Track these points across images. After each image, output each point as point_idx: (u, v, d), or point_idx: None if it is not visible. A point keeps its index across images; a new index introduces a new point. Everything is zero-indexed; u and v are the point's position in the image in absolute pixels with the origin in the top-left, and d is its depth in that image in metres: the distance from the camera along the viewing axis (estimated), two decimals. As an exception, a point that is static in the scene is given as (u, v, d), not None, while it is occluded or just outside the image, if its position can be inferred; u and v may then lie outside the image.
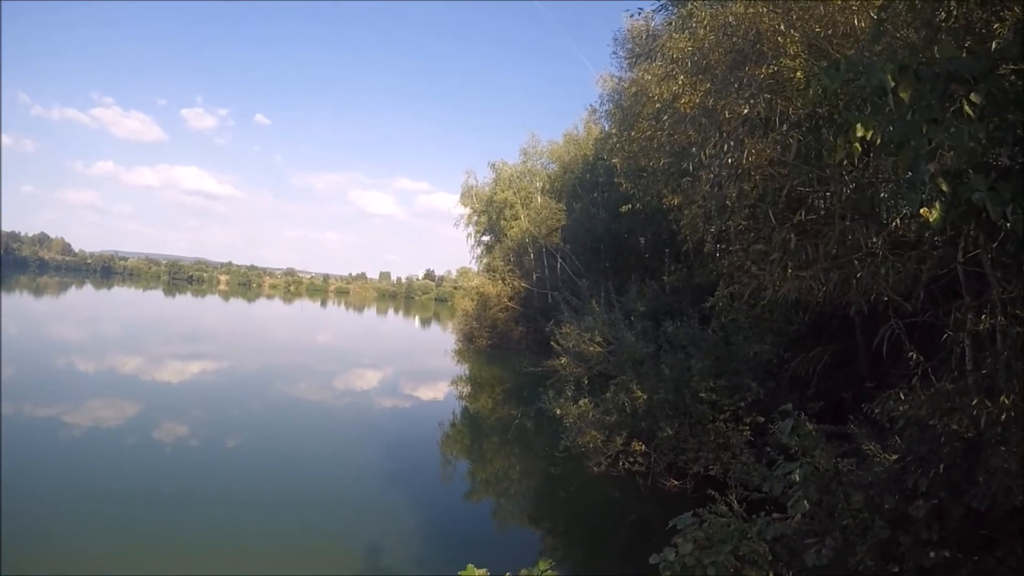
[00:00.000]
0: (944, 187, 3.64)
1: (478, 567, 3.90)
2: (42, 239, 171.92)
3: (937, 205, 3.72)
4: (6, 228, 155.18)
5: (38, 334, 44.62)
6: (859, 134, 3.98)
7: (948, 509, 4.26)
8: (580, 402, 16.94)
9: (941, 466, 4.37)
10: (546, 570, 3.98)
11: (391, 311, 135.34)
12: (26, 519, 11.93)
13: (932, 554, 4.16)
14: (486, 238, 54.34)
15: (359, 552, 12.16)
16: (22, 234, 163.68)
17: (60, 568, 10.42)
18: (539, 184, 46.37)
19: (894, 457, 5.18)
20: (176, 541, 11.91)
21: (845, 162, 7.27)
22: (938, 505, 4.31)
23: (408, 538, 13.19)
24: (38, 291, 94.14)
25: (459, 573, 3.87)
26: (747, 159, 9.56)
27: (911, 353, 6.32)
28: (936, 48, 3.78)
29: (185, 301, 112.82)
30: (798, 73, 8.77)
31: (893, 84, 3.67)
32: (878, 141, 4.29)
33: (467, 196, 52.66)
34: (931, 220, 3.76)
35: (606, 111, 27.79)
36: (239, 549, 11.82)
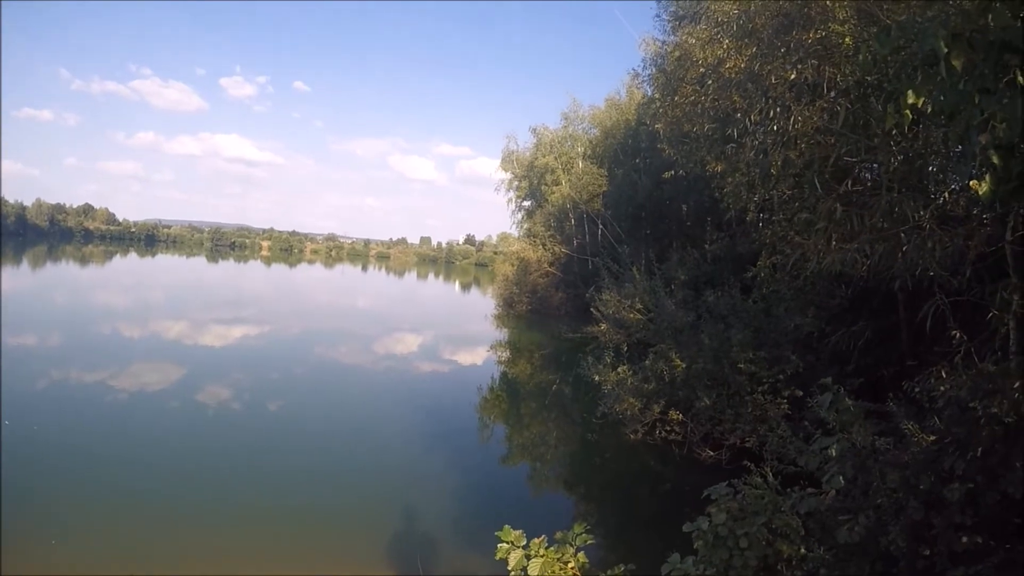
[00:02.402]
0: (996, 160, 3.50)
1: (514, 529, 3.97)
2: (87, 210, 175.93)
3: (987, 178, 3.58)
4: (51, 200, 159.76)
5: (84, 302, 46.13)
6: (910, 101, 3.84)
7: (983, 494, 4.18)
8: (619, 369, 16.93)
9: (979, 449, 4.27)
10: (580, 533, 4.03)
11: (431, 276, 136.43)
12: (70, 480, 12.51)
13: (964, 539, 4.10)
14: (527, 203, 54.07)
15: (397, 512, 12.47)
16: (67, 205, 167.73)
17: (109, 525, 10.95)
18: (580, 149, 45.84)
19: (932, 438, 5.08)
20: (220, 499, 12.39)
21: (894, 132, 7.01)
22: (973, 489, 4.23)
23: (445, 499, 13.47)
24: (84, 260, 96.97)
25: (497, 533, 3.94)
26: (793, 126, 9.29)
27: (954, 332, 6.14)
28: (990, 16, 3.61)
29: (228, 267, 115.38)
30: (847, 39, 8.43)
31: (945, 51, 3.51)
32: (929, 110, 4.14)
33: (508, 161, 52.36)
34: (980, 193, 3.63)
35: (649, 75, 27.10)
36: (281, 507, 12.23)
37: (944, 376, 5.58)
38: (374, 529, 11.70)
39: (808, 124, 9.13)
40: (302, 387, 23.44)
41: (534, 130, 49.43)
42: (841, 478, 5.01)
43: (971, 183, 3.72)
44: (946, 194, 7.03)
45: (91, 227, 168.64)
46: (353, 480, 14.05)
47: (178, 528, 10.99)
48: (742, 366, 13.91)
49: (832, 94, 8.30)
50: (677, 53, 18.12)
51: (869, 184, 8.83)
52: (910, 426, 5.69)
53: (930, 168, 8.22)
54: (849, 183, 8.44)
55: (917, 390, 6.24)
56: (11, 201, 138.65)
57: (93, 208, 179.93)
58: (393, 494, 13.49)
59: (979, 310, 7.13)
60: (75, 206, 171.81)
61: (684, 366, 15.05)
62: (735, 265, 18.33)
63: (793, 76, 9.45)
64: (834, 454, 5.25)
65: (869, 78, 7.08)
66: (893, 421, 6.28)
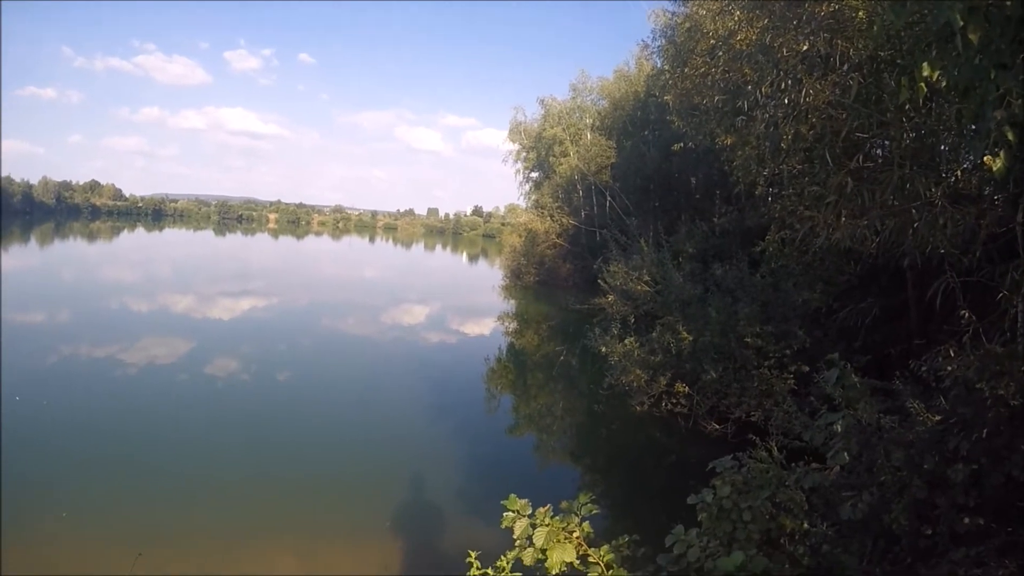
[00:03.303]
0: (1010, 136, 3.46)
1: (520, 499, 4.02)
2: (93, 186, 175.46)
3: (1002, 155, 3.55)
4: (57, 177, 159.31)
5: (93, 278, 46.37)
6: (924, 74, 3.78)
7: (987, 475, 4.18)
8: (626, 341, 16.94)
9: (984, 431, 4.27)
10: (586, 503, 4.05)
11: (439, 247, 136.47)
12: (80, 454, 12.75)
13: (967, 519, 4.11)
14: (535, 174, 53.70)
15: (403, 481, 12.64)
16: (73, 182, 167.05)
17: (119, 498, 11.14)
18: (589, 121, 45.41)
19: (937, 417, 5.08)
20: (229, 470, 12.58)
21: (907, 107, 6.91)
22: (977, 470, 4.23)
23: (452, 469, 13.64)
24: (91, 236, 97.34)
25: (502, 502, 3.98)
26: (805, 99, 9.17)
27: (963, 312, 6.11)
28: (1008, -11, 3.53)
29: (235, 240, 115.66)
30: (860, 12, 8.27)
31: (961, 25, 3.44)
32: (943, 85, 4.07)
33: (515, 132, 51.89)
34: (995, 170, 3.60)
35: (658, 47, 26.77)
36: (288, 477, 12.43)
37: (952, 356, 5.57)
38: (381, 498, 11.87)
39: (819, 98, 9.00)
40: (310, 359, 23.64)
41: (542, 101, 48.94)
42: (846, 454, 5.02)
43: (985, 159, 3.68)
44: (958, 172, 6.94)
45: (98, 203, 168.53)
46: (360, 450, 14.24)
47: (187, 498, 11.19)
48: (749, 340, 13.91)
49: (845, 67, 8.16)
50: (687, 24, 17.88)
51: (880, 160, 8.73)
52: (916, 405, 5.69)
53: (942, 146, 8.12)
54: (860, 158, 8.34)
55: (924, 369, 6.22)
56: (17, 180, 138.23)
57: (99, 184, 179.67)
58: (400, 464, 13.66)
59: (988, 291, 7.08)
60: (81, 183, 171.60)
61: (691, 339, 15.06)
62: (743, 239, 18.24)
63: (806, 48, 9.31)
64: (839, 430, 5.26)
65: (882, 52, 6.97)
66: (899, 399, 6.29)
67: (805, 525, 4.71)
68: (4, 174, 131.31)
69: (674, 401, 15.38)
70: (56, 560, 8.96)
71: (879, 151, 9.24)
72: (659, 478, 13.98)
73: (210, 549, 9.60)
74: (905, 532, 4.35)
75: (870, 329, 12.03)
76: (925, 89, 4.02)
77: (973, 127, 6.04)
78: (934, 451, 4.51)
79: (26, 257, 61.15)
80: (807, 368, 12.51)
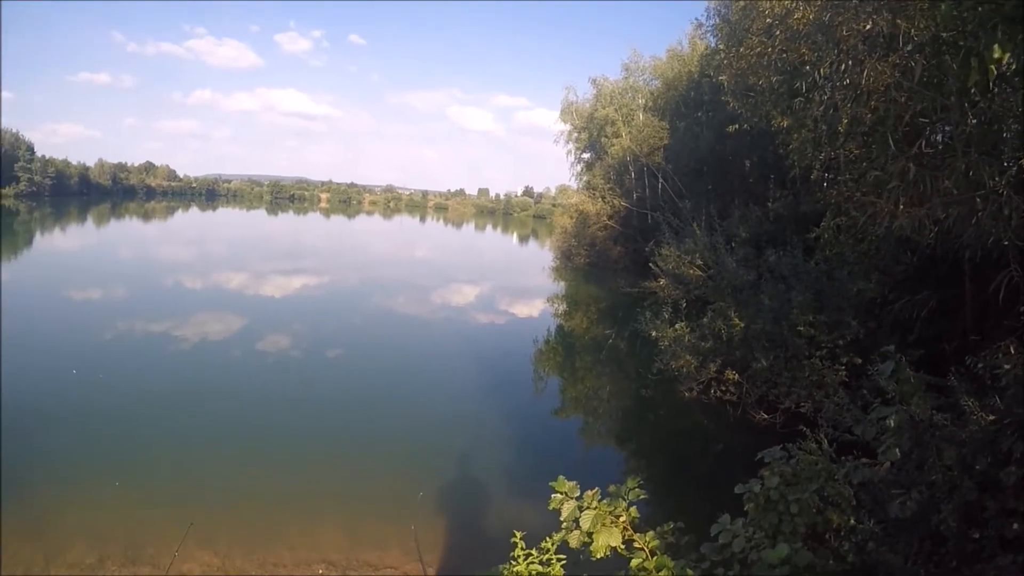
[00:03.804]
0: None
1: (567, 480, 4.08)
2: (148, 168, 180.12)
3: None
4: (112, 160, 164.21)
5: (148, 256, 48.03)
6: (995, 56, 3.67)
7: (1040, 480, 4.09)
8: (676, 325, 16.80)
9: (1040, 433, 4.17)
10: (633, 487, 4.08)
11: (489, 227, 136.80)
12: (137, 425, 13.31)
13: (1016, 525, 4.01)
14: (586, 155, 53.25)
15: (449, 460, 12.87)
16: (128, 164, 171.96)
17: (173, 466, 11.63)
18: (641, 101, 44.73)
19: (991, 417, 4.94)
20: (278, 443, 13.00)
21: (972, 91, 6.64)
22: (1030, 474, 4.14)
23: (497, 449, 13.83)
24: (146, 216, 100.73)
25: (551, 484, 4.04)
26: (866, 81, 8.88)
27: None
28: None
29: (287, 219, 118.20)
30: (923, -9, 7.93)
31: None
32: (1011, 68, 3.93)
33: (567, 112, 51.44)
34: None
35: (712, 26, 26.13)
36: (335, 452, 12.80)
37: (1010, 353, 5.39)
38: (427, 476, 12.08)
39: (880, 79, 8.70)
40: (360, 337, 24.14)
41: (594, 81, 48.38)
42: (897, 450, 4.94)
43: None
44: (1022, 161, 6.64)
45: (153, 184, 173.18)
46: (407, 428, 14.52)
47: (237, 471, 11.64)
48: (801, 329, 13.66)
49: (908, 48, 7.86)
50: (742, 2, 17.43)
51: (941, 146, 8.42)
52: (970, 403, 5.53)
53: (1005, 132, 7.77)
54: (922, 144, 8.06)
55: (980, 366, 6.04)
56: (74, 162, 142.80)
57: (154, 165, 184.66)
58: (446, 442, 13.89)
59: (1051, 287, 6.82)
60: (136, 164, 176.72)
61: (742, 326, 14.86)
62: (798, 225, 17.82)
63: (868, 27, 9.00)
64: (892, 425, 5.17)
65: (945, 34, 6.69)
66: (953, 396, 6.11)
67: (852, 521, 4.66)
68: (60, 157, 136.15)
69: (723, 388, 15.25)
70: (109, 527, 9.42)
71: (940, 137, 8.91)
72: (705, 466, 13.91)
73: (258, 522, 9.98)
74: (953, 534, 4.27)
75: (925, 322, 11.66)
76: (995, 72, 3.88)
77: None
78: (987, 452, 4.40)
79: (84, 236, 63.63)
80: (859, 360, 12.23)
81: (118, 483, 10.65)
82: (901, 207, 8.29)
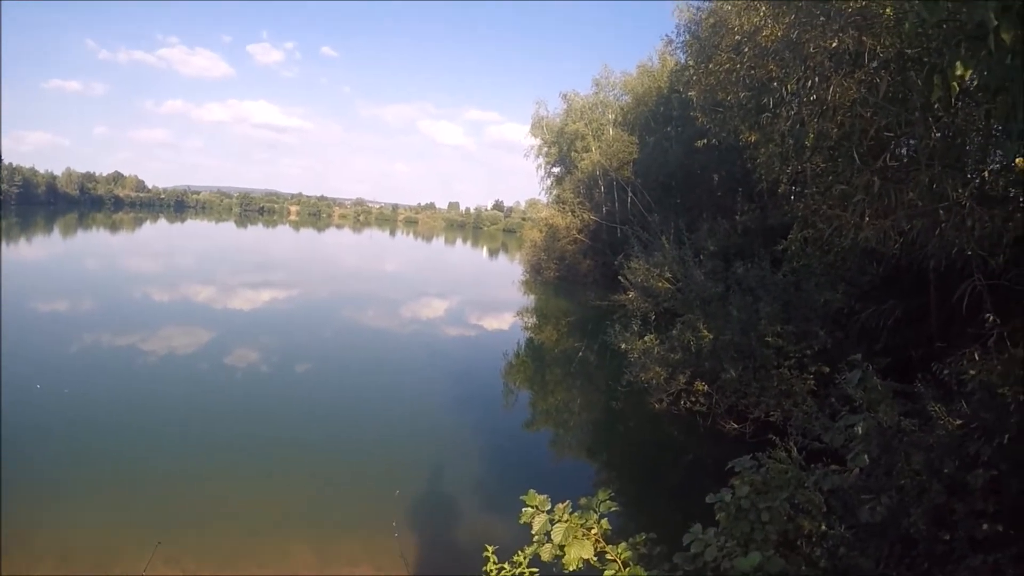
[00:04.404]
0: (1043, 138, 3.41)
1: (538, 494, 4.04)
2: (116, 178, 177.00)
3: (1034, 156, 3.50)
4: (83, 169, 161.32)
5: (115, 267, 47.05)
6: (958, 72, 3.73)
7: (1007, 482, 4.12)
8: (646, 338, 16.90)
9: (1006, 436, 4.21)
10: (605, 500, 4.06)
11: (459, 241, 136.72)
12: (102, 442, 12.99)
13: (985, 526, 4.07)
14: (556, 170, 53.60)
15: (421, 474, 12.71)
16: (97, 174, 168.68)
17: (141, 484, 11.33)
18: (611, 116, 45.19)
19: (958, 422, 5.02)
20: (247, 459, 12.75)
21: (935, 106, 6.82)
22: (997, 476, 4.19)
23: (470, 462, 13.69)
24: (114, 227, 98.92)
25: (522, 498, 4.00)
26: (832, 96, 9.07)
27: (988, 315, 6.02)
28: (1044, -11, 3.47)
29: (256, 232, 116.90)
30: (888, 9, 8.15)
31: (995, 24, 3.38)
32: (973, 84, 4.00)
33: (537, 127, 51.77)
34: (1025, 171, 3.54)
35: (682, 42, 26.59)
36: (305, 468, 12.57)
37: (975, 360, 5.50)
38: (399, 486, 11.93)
39: (846, 95, 8.90)
40: (329, 350, 23.82)
41: (565, 96, 48.76)
42: (866, 457, 4.99)
43: (1016, 161, 3.63)
44: (985, 173, 6.82)
45: (121, 194, 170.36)
46: (377, 443, 14.33)
47: (206, 488, 11.32)
48: (769, 339, 13.82)
49: (873, 65, 8.05)
50: (712, 19, 17.76)
51: (906, 160, 8.62)
52: (937, 408, 5.62)
53: (968, 146, 7.99)
54: (887, 157, 8.25)
55: (946, 372, 6.15)
56: (41, 171, 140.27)
57: (123, 176, 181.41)
58: (417, 457, 13.75)
59: (1014, 294, 6.98)
60: (105, 174, 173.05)
61: (711, 337, 14.99)
62: (765, 237, 18.10)
63: (834, 44, 9.20)
64: (860, 432, 5.23)
65: (910, 51, 6.87)
66: (920, 403, 6.22)
67: (823, 527, 4.69)
68: (28, 165, 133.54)
69: (693, 399, 15.32)
70: (76, 547, 9.11)
71: (905, 150, 9.13)
72: (676, 476, 13.95)
73: (228, 539, 9.74)
74: (923, 537, 4.32)
75: (892, 331, 11.89)
76: (958, 88, 3.96)
77: (1002, 128, 5.95)
78: (954, 456, 4.46)
79: (50, 247, 62.19)
80: (827, 369, 12.40)
81: (86, 504, 10.38)
82: (867, 219, 8.46)
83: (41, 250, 57.55)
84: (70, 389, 15.83)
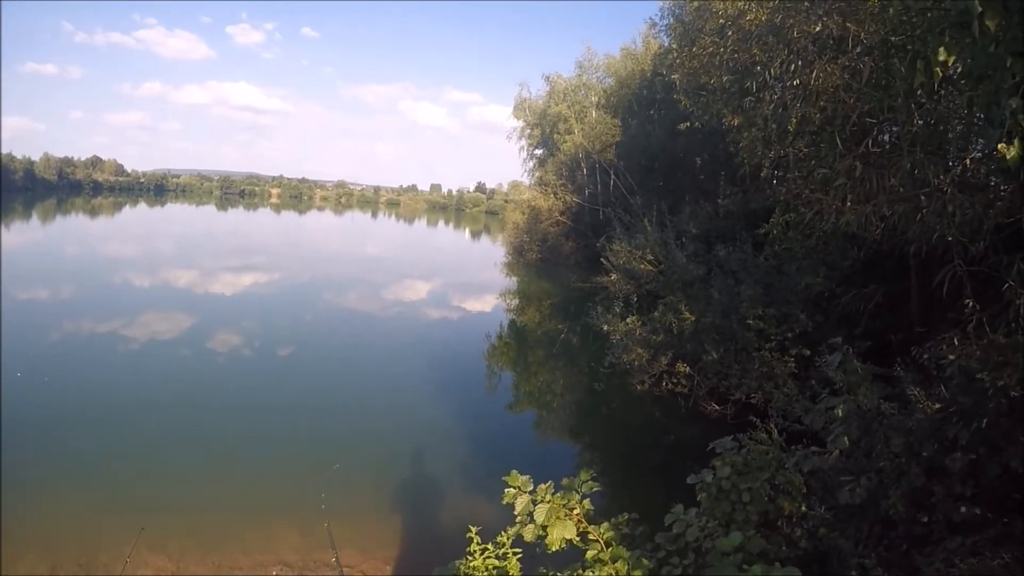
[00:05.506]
0: (1025, 124, 3.44)
1: (520, 475, 4.05)
2: (95, 162, 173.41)
3: (1016, 143, 3.52)
4: (58, 154, 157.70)
5: (95, 253, 46.32)
6: (941, 59, 3.75)
7: (985, 466, 4.21)
8: (628, 319, 16.94)
9: (984, 421, 4.29)
10: (586, 480, 4.09)
11: (441, 223, 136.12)
12: (85, 429, 12.86)
13: (963, 509, 4.15)
14: (539, 152, 53.37)
15: (404, 456, 12.76)
16: (75, 158, 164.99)
17: (124, 470, 11.25)
18: (594, 99, 44.96)
19: (937, 406, 5.11)
20: (231, 443, 12.72)
21: (918, 93, 6.86)
22: (975, 460, 4.27)
23: (452, 444, 13.76)
24: (93, 212, 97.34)
25: (504, 479, 4.02)
26: (814, 81, 9.09)
27: (968, 301, 6.11)
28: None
29: (237, 215, 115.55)
30: (872, -5, 8.18)
31: (979, 12, 3.40)
32: (957, 71, 4.02)
33: (520, 109, 51.47)
34: (1008, 158, 3.57)
35: (666, 25, 26.58)
36: (289, 451, 12.58)
37: (954, 345, 5.58)
38: (382, 473, 11.99)
39: (829, 80, 8.92)
40: (311, 334, 23.72)
41: (547, 78, 48.40)
42: (846, 439, 5.06)
43: (999, 147, 3.65)
44: (967, 160, 6.89)
45: (100, 179, 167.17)
46: (361, 426, 14.36)
47: (190, 473, 11.31)
48: (751, 322, 13.92)
49: (856, 50, 8.07)
50: (696, 3, 17.68)
51: (888, 145, 8.68)
52: (916, 392, 5.71)
53: (950, 133, 8.06)
54: (869, 143, 8.29)
55: (925, 357, 6.23)
56: (19, 156, 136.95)
57: (101, 160, 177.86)
58: (400, 439, 13.78)
59: (993, 281, 7.07)
60: (83, 159, 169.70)
61: (693, 319, 15.08)
62: (747, 221, 18.15)
63: (817, 29, 9.20)
64: (840, 414, 5.29)
65: (894, 37, 6.89)
66: (899, 386, 6.31)
67: (803, 508, 4.76)
68: (5, 151, 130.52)
69: (675, 381, 15.41)
70: (60, 537, 9.06)
71: (887, 136, 9.18)
72: (658, 457, 14.08)
73: (213, 524, 9.73)
74: (902, 519, 4.40)
75: (872, 315, 12.02)
76: (940, 74, 3.98)
77: (984, 115, 6.01)
78: (933, 439, 4.54)
79: (29, 233, 61.08)
80: (808, 352, 12.51)
81: (69, 492, 10.29)
82: (848, 204, 8.52)
83: (19, 236, 56.46)
84: (49, 377, 15.64)
